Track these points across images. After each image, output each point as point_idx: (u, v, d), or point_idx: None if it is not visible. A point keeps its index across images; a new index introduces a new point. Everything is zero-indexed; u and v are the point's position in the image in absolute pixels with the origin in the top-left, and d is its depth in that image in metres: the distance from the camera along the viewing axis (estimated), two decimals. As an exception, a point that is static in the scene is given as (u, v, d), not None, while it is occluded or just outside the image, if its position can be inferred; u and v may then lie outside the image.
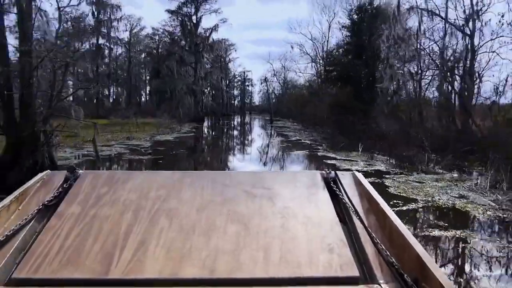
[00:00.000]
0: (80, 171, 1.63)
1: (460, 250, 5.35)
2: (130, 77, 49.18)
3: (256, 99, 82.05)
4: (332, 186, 1.56)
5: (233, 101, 77.50)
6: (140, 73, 52.14)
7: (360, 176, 1.64)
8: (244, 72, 77.11)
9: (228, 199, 1.45)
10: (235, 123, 49.04)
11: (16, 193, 1.44)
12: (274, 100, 61.59)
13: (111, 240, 1.20)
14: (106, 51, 43.40)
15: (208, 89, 52.32)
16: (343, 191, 1.53)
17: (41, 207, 1.38)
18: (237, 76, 76.52)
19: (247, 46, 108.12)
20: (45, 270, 1.09)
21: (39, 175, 1.61)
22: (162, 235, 1.23)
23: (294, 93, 53.47)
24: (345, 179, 1.63)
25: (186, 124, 34.03)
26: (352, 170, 1.74)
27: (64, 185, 1.52)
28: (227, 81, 71.02)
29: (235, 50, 67.40)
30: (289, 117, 45.56)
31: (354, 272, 1.11)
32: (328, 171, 1.64)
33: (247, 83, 78.22)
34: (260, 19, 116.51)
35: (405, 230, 1.23)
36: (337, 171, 1.66)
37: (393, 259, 1.13)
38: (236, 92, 79.49)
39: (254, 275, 1.09)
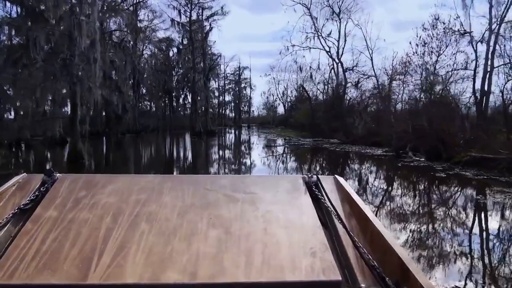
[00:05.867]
0: (58, 174, 1.60)
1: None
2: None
3: (256, 103, 62.59)
4: (314, 190, 1.55)
5: (223, 110, 55.65)
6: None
7: (341, 180, 1.64)
8: (240, 68, 53.18)
9: (209, 203, 1.43)
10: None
11: None
12: (288, 104, 39.11)
13: (89, 245, 1.17)
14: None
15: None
16: (325, 195, 1.52)
17: (16, 211, 1.34)
18: (229, 76, 53.15)
19: (242, 58, 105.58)
20: (20, 275, 1.05)
21: (15, 178, 1.57)
22: (142, 239, 1.21)
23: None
24: (327, 183, 1.62)
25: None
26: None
27: (41, 189, 1.49)
28: (208, 70, 40.17)
29: (225, 13, 37.71)
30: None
31: (337, 276, 1.10)
32: (310, 175, 1.64)
33: (243, 85, 56.23)
34: (252, 31, 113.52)
35: (387, 233, 1.23)
36: (319, 175, 1.65)
37: (375, 263, 1.13)
38: (228, 97, 57.03)
39: (236, 280, 1.07)
